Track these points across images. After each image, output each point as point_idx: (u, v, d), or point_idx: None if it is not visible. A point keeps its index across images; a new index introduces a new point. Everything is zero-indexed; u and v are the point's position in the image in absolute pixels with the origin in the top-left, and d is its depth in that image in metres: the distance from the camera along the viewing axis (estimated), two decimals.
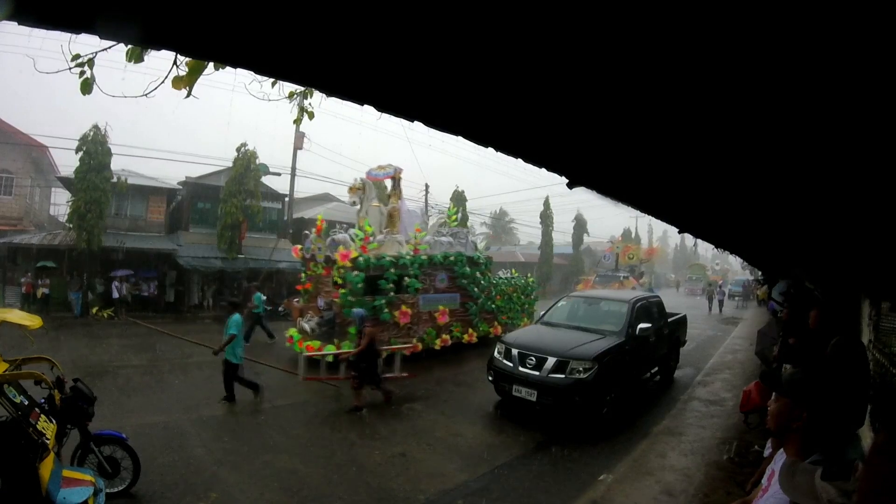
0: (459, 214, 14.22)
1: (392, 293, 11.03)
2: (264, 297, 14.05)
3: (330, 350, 9.80)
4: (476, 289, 13.10)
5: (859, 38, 0.63)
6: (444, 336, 12.07)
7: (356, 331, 9.42)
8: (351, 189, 12.38)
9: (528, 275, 16.79)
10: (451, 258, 12.54)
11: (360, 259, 10.56)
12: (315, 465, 5.56)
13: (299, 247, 12.69)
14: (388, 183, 14.02)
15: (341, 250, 10.84)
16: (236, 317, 7.84)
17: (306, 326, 10.93)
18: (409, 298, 11.46)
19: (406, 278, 11.37)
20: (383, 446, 6.18)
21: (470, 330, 12.83)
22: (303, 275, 12.77)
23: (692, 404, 8.22)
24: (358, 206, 12.37)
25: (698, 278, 49.41)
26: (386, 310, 10.82)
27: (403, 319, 11.23)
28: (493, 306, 13.78)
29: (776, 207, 1.67)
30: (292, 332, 11.33)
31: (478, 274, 13.30)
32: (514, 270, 16.65)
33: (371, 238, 11.49)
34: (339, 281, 10.84)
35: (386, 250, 11.64)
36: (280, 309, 18.56)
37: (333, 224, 14.04)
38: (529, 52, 0.78)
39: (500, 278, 14.93)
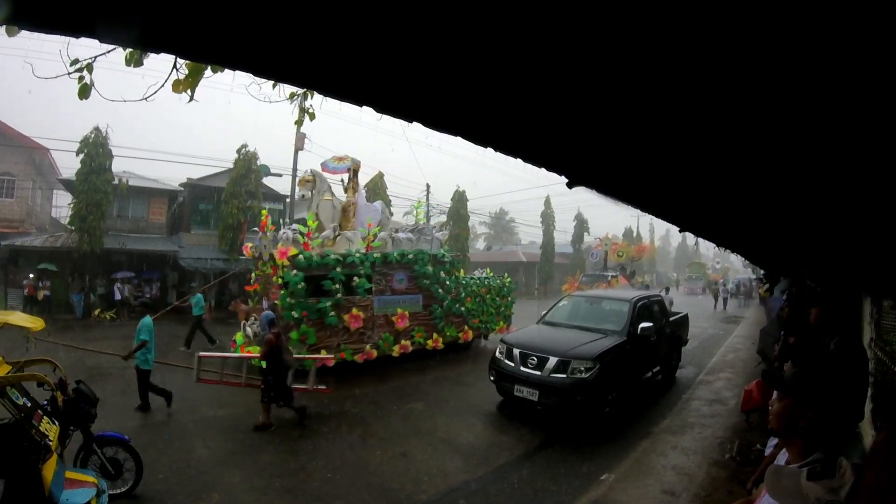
0: (427, 208, 13.33)
1: (339, 294, 10.01)
2: (206, 301, 13.32)
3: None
4: (440, 290, 11.90)
5: (860, 35, 0.64)
6: (403, 342, 11.02)
7: (297, 336, 9.20)
8: (300, 181, 11.60)
9: (505, 274, 15.79)
10: (410, 256, 11.38)
11: (301, 257, 9.65)
12: (316, 465, 5.57)
13: (250, 245, 11.85)
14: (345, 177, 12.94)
15: (280, 247, 10.03)
16: (147, 320, 7.34)
17: (249, 330, 10.26)
18: (362, 300, 10.41)
19: (356, 278, 10.35)
20: (384, 446, 6.19)
21: (435, 335, 11.70)
22: (252, 275, 11.88)
23: (694, 403, 8.22)
24: (308, 200, 11.57)
25: (698, 277, 48.36)
26: (332, 313, 9.81)
27: (354, 324, 10.15)
28: (463, 309, 12.53)
29: (777, 205, 1.67)
30: (239, 336, 10.71)
31: (442, 273, 12.05)
32: (488, 270, 15.63)
33: (314, 234, 10.73)
34: (281, 281, 9.87)
35: (339, 248, 10.88)
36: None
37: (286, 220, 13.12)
38: (528, 52, 0.79)
39: (471, 278, 13.75)
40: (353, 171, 12.58)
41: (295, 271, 9.52)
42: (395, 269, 11.13)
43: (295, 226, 10.89)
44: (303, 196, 11.64)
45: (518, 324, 13.18)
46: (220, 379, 7.79)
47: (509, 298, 14.67)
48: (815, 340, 3.92)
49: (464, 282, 12.89)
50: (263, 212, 11.77)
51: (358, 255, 10.49)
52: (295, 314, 9.41)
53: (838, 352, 3.55)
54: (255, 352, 8.87)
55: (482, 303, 13.32)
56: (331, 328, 9.83)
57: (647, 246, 33.99)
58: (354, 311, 10.19)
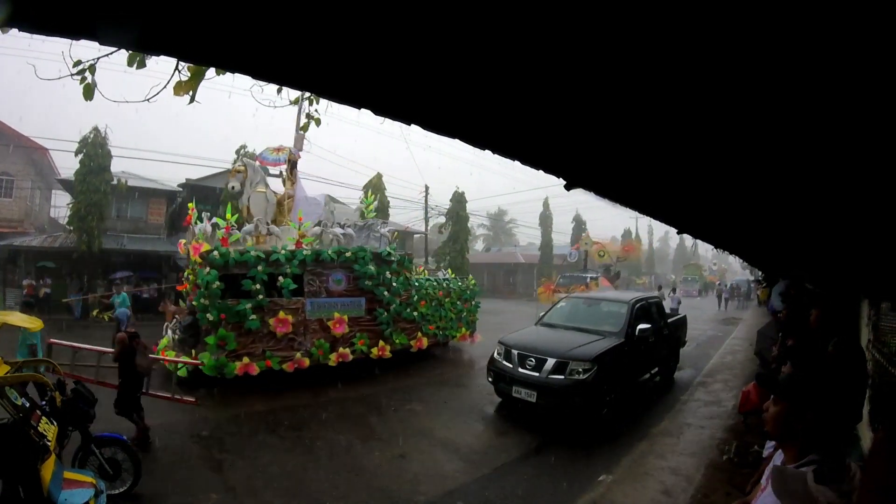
0: (377, 202, 12.59)
1: (262, 296, 8.99)
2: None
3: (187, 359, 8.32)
4: (386, 292, 10.60)
5: (859, 37, 0.64)
6: (342, 350, 9.77)
7: (214, 341, 8.40)
8: (230, 172, 10.59)
9: (469, 277, 14.54)
10: (348, 254, 10.18)
11: (215, 253, 8.71)
12: (315, 466, 5.57)
13: (183, 241, 10.97)
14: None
15: (194, 243, 9.29)
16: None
17: (169, 333, 9.58)
18: (291, 303, 9.37)
19: (281, 278, 9.31)
20: (383, 447, 6.19)
21: (381, 342, 10.44)
22: (185, 273, 10.98)
23: (692, 405, 8.22)
24: (239, 192, 10.70)
25: (693, 279, 47.38)
26: (253, 316, 8.80)
27: (281, 328, 9.10)
28: (415, 314, 11.29)
29: (775, 207, 1.67)
30: (164, 340, 9.97)
31: (388, 274, 10.75)
32: (450, 270, 14.45)
33: (233, 228, 9.78)
34: (194, 279, 9.14)
35: (273, 244, 9.98)
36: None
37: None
38: (525, 54, 0.79)
39: (426, 279, 12.40)
40: (292, 162, 11.71)
41: (208, 269, 8.63)
42: (331, 268, 9.99)
43: (215, 219, 9.80)
44: (232, 188, 10.73)
45: (518, 325, 12.94)
46: (71, 372, 6.47)
47: (473, 303, 13.45)
48: (814, 342, 3.93)
49: (416, 283, 11.64)
50: (190, 205, 10.58)
51: (283, 252, 9.43)
52: (210, 316, 8.51)
53: (837, 354, 3.56)
54: (170, 356, 8.65)
55: (439, 307, 12.10)
56: (254, 333, 8.87)
57: (633, 246, 31.15)
58: (281, 314, 9.16)
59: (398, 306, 10.84)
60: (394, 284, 10.82)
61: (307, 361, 9.28)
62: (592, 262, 33.42)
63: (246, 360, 8.61)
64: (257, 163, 11.97)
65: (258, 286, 8.94)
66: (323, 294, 9.87)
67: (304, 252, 9.66)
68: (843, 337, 3.72)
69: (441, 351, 12.69)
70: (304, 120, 3.97)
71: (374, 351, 10.30)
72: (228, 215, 9.75)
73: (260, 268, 9.02)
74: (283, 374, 9.00)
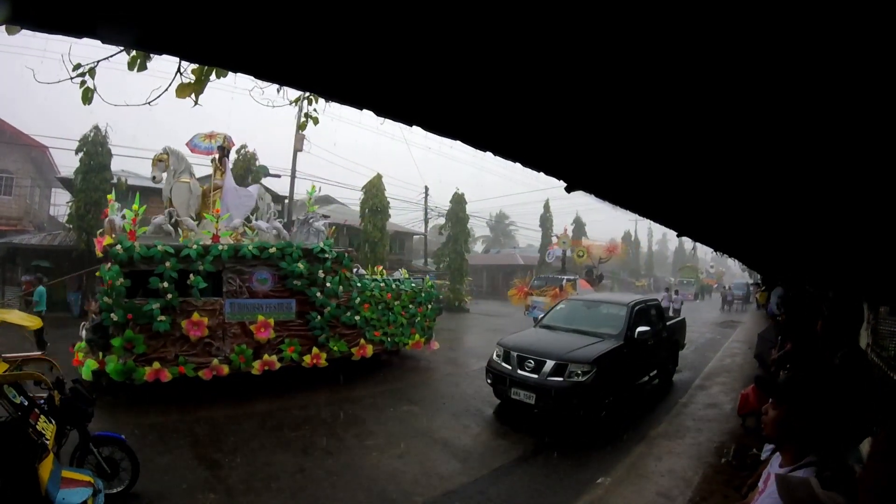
0: (314, 197, 11.11)
1: (172, 295, 8.07)
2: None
3: (91, 365, 7.61)
4: (319, 293, 9.47)
5: (858, 40, 0.64)
6: (267, 357, 8.79)
7: (121, 343, 7.62)
8: (153, 160, 9.65)
9: (426, 277, 13.16)
10: (272, 250, 9.06)
11: (118, 248, 7.84)
12: (313, 466, 5.56)
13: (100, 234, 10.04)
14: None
15: (98, 237, 8.57)
16: None
17: (83, 333, 8.76)
18: (207, 304, 8.41)
19: (192, 275, 8.34)
20: (381, 448, 6.18)
21: (315, 349, 9.35)
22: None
23: (690, 408, 8.22)
24: (161, 182, 9.88)
25: (689, 281, 45.84)
26: (162, 317, 7.93)
27: (195, 332, 8.17)
28: (357, 318, 10.04)
29: (775, 210, 1.68)
30: (80, 343, 8.99)
31: (321, 273, 9.53)
32: (404, 270, 13.04)
33: (140, 220, 8.79)
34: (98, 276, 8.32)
35: (198, 238, 9.15)
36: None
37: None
38: (527, 57, 0.80)
39: (371, 280, 11.08)
40: (224, 150, 10.69)
41: (109, 265, 7.87)
42: (254, 265, 8.94)
43: (124, 210, 8.82)
44: (153, 178, 9.84)
45: (514, 328, 12.79)
46: None
47: (430, 306, 11.92)
48: (820, 350, 3.91)
49: (358, 284, 10.38)
50: (109, 196, 9.58)
51: (195, 247, 8.42)
52: (115, 317, 7.67)
53: (843, 365, 3.54)
54: (80, 357, 7.97)
55: (387, 311, 10.82)
56: (165, 336, 8.01)
57: (617, 246, 29.07)
58: (195, 316, 8.22)
59: (334, 309, 9.63)
60: (328, 285, 9.60)
61: (226, 369, 8.36)
62: (572, 263, 31.10)
63: (157, 365, 7.81)
64: (189, 150, 10.93)
65: (166, 284, 8.05)
66: (245, 294, 8.82)
67: (220, 247, 8.60)
68: (851, 349, 3.69)
69: (399, 360, 11.85)
70: (301, 119, 3.97)
71: (307, 359, 9.23)
72: (136, 206, 8.64)
73: (168, 264, 8.10)
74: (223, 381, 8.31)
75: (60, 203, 26.40)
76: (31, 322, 4.80)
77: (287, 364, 9.00)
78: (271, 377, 8.83)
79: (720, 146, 1.11)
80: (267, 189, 13.90)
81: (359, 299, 10.17)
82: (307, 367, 9.16)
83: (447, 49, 0.80)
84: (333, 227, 12.38)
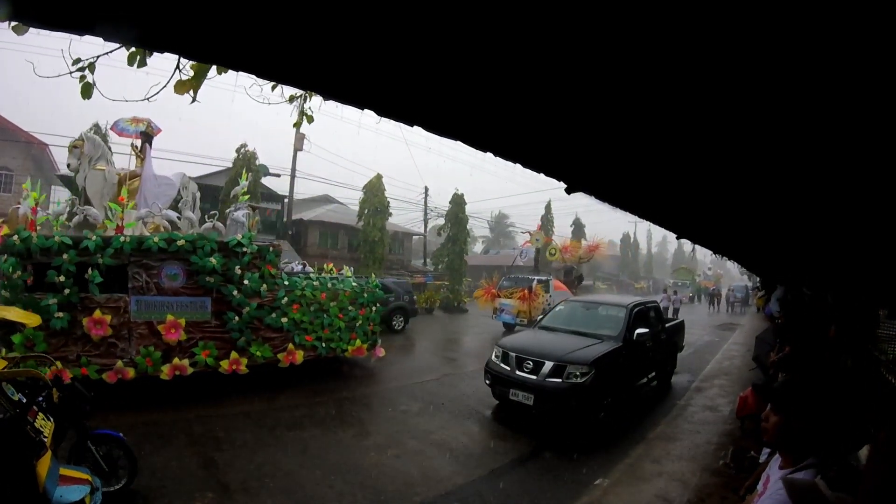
0: (248, 185, 10.33)
1: (71, 290, 7.38)
2: None
3: None
4: (236, 292, 8.42)
5: (861, 39, 0.64)
6: (178, 360, 7.90)
7: (21, 340, 6.99)
8: (69, 147, 9.06)
9: (372, 276, 11.86)
10: (181, 242, 8.04)
11: (14, 238, 7.30)
12: (310, 466, 5.56)
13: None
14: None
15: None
16: None
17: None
18: (110, 300, 7.62)
19: (90, 269, 7.54)
20: (379, 448, 6.18)
21: (234, 354, 8.34)
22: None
23: (688, 410, 8.23)
24: (78, 170, 9.25)
25: (684, 284, 43.54)
26: (60, 313, 7.27)
27: (97, 331, 7.45)
28: (284, 321, 8.99)
29: (775, 212, 1.68)
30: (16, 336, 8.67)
31: (237, 269, 8.44)
32: (346, 267, 11.62)
33: (40, 211, 8.24)
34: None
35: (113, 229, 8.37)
36: None
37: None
38: (528, 58, 0.80)
39: (301, 277, 9.92)
40: (147, 136, 9.98)
41: (6, 256, 7.32)
42: (163, 259, 8.00)
43: (30, 196, 8.27)
44: (69, 166, 9.21)
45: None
46: None
47: (374, 308, 10.66)
48: (828, 353, 3.92)
49: (286, 283, 9.30)
50: (24, 185, 8.80)
51: (94, 238, 7.61)
52: None
53: (853, 368, 3.55)
54: None
55: (321, 313, 9.64)
56: (65, 334, 7.36)
57: (597, 244, 26.10)
58: (97, 313, 7.48)
59: (254, 310, 8.58)
60: (245, 282, 8.53)
61: (132, 372, 7.61)
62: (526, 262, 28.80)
63: (59, 364, 6.87)
64: (120, 136, 10.44)
65: (63, 278, 7.36)
66: (153, 291, 7.94)
67: (122, 239, 7.74)
68: (861, 353, 3.70)
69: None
70: (296, 117, 3.96)
71: (224, 364, 8.24)
72: (35, 194, 8.09)
73: (66, 256, 7.38)
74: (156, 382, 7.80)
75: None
76: (30, 319, 4.79)
77: (202, 369, 8.11)
78: (271, 377, 8.83)
79: (720, 147, 1.11)
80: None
81: (286, 299, 9.08)
82: (225, 373, 8.26)
83: (449, 49, 0.80)
84: (256, 219, 11.38)
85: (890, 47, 0.64)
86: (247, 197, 10.10)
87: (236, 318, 8.41)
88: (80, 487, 3.80)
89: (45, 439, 3.61)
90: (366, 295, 10.48)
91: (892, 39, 0.63)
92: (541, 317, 9.84)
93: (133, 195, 9.50)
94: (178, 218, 10.10)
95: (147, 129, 10.00)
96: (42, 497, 3.42)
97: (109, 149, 9.75)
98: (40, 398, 4.00)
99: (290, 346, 9.08)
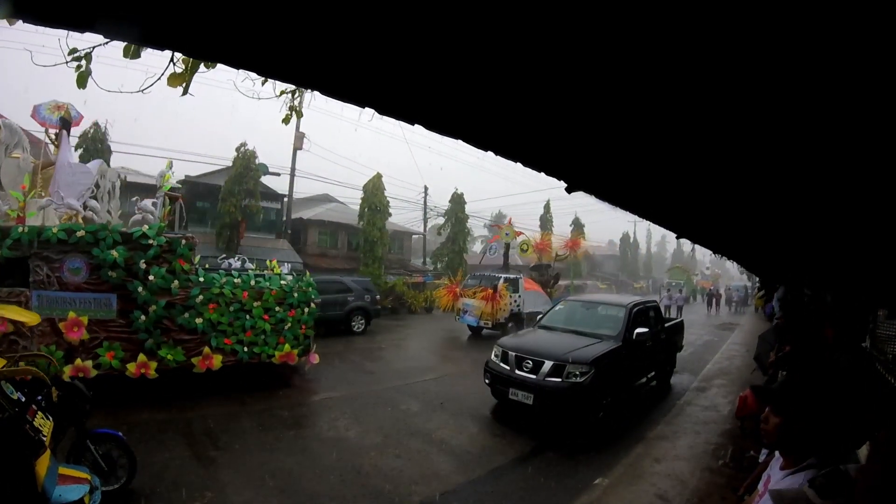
0: (173, 177, 9.65)
1: None
2: None
3: None
4: (141, 288, 7.66)
5: (861, 38, 0.64)
6: (80, 362, 7.30)
7: None
8: None
9: (307, 273, 10.44)
10: (81, 233, 7.40)
11: None
12: (309, 465, 5.56)
13: None
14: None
15: None
16: None
17: None
18: (11, 294, 7.12)
19: None
20: (378, 447, 6.18)
21: (141, 357, 7.65)
22: None
23: (688, 410, 8.23)
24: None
25: (678, 284, 41.01)
26: None
27: None
28: (199, 322, 8.14)
29: (776, 212, 1.68)
30: None
31: (142, 263, 7.68)
32: (273, 262, 10.22)
33: None
34: None
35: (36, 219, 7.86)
36: None
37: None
38: (529, 56, 0.79)
39: (220, 274, 8.87)
40: (65, 121, 9.38)
41: None
42: (65, 252, 7.38)
43: None
44: None
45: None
46: None
47: (306, 310, 9.45)
48: (824, 352, 3.92)
49: (201, 279, 8.35)
50: None
51: None
52: None
53: (850, 367, 3.55)
54: None
55: (242, 314, 8.67)
56: None
57: (578, 241, 24.34)
58: None
59: (161, 309, 7.80)
60: (151, 278, 7.75)
61: (29, 373, 6.95)
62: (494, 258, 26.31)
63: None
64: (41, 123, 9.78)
65: None
66: (54, 286, 7.34)
67: (21, 230, 7.21)
68: (858, 352, 3.70)
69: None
70: (286, 112, 3.95)
71: (131, 367, 7.59)
72: None
73: None
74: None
75: None
76: (29, 318, 4.79)
77: (106, 372, 7.48)
78: (271, 377, 8.82)
79: (720, 147, 1.11)
80: (109, 167, 11.96)
81: (201, 297, 8.20)
82: (133, 377, 7.62)
83: (450, 48, 0.80)
84: (168, 209, 10.68)
85: (889, 48, 0.64)
86: (168, 187, 9.60)
87: (142, 317, 7.71)
88: (79, 486, 3.80)
89: (45, 438, 3.61)
90: (296, 294, 9.31)
91: (890, 40, 0.62)
92: (541, 316, 9.84)
93: (47, 184, 8.88)
94: (108, 211, 9.54)
95: (65, 115, 9.37)
96: (41, 496, 3.41)
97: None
98: (39, 397, 4.00)
99: (207, 349, 8.23)
